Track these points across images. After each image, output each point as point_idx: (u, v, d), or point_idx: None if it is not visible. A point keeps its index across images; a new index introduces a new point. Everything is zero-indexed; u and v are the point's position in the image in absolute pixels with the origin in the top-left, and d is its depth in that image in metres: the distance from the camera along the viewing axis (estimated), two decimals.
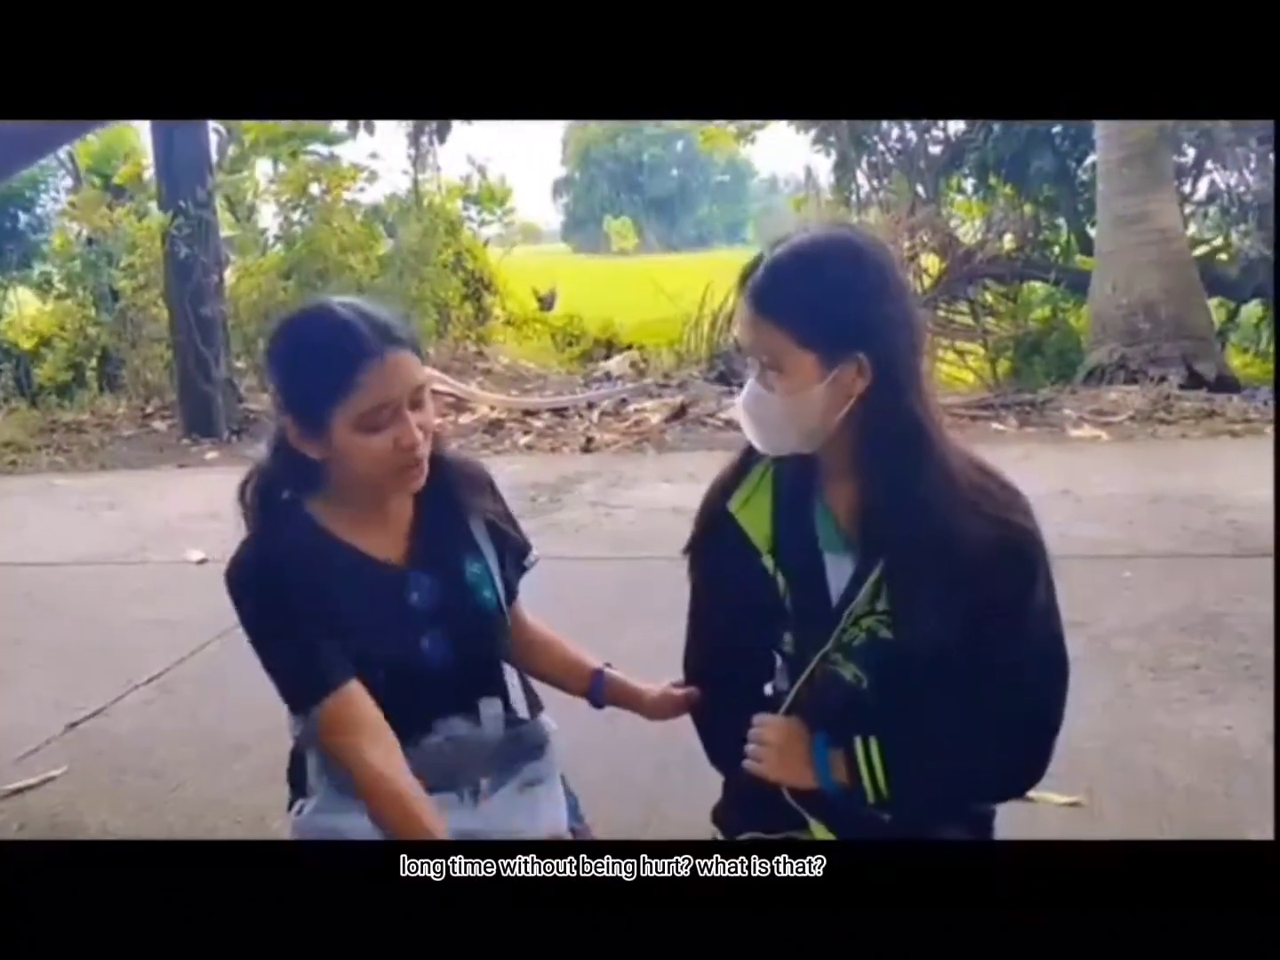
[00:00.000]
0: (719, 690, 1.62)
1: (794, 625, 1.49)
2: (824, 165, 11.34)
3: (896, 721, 1.43)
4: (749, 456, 1.55)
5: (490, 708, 1.69)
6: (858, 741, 1.44)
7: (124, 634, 3.82)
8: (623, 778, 2.46)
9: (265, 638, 1.60)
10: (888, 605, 1.43)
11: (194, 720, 2.82)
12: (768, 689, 1.58)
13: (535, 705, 1.79)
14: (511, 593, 1.80)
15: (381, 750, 1.60)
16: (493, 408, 8.13)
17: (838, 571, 1.46)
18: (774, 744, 1.48)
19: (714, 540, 1.56)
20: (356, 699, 1.59)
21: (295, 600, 1.57)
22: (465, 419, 7.88)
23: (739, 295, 1.43)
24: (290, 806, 1.74)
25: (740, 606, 1.53)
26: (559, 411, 7.95)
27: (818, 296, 1.36)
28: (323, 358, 1.50)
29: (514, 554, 1.78)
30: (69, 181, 10.46)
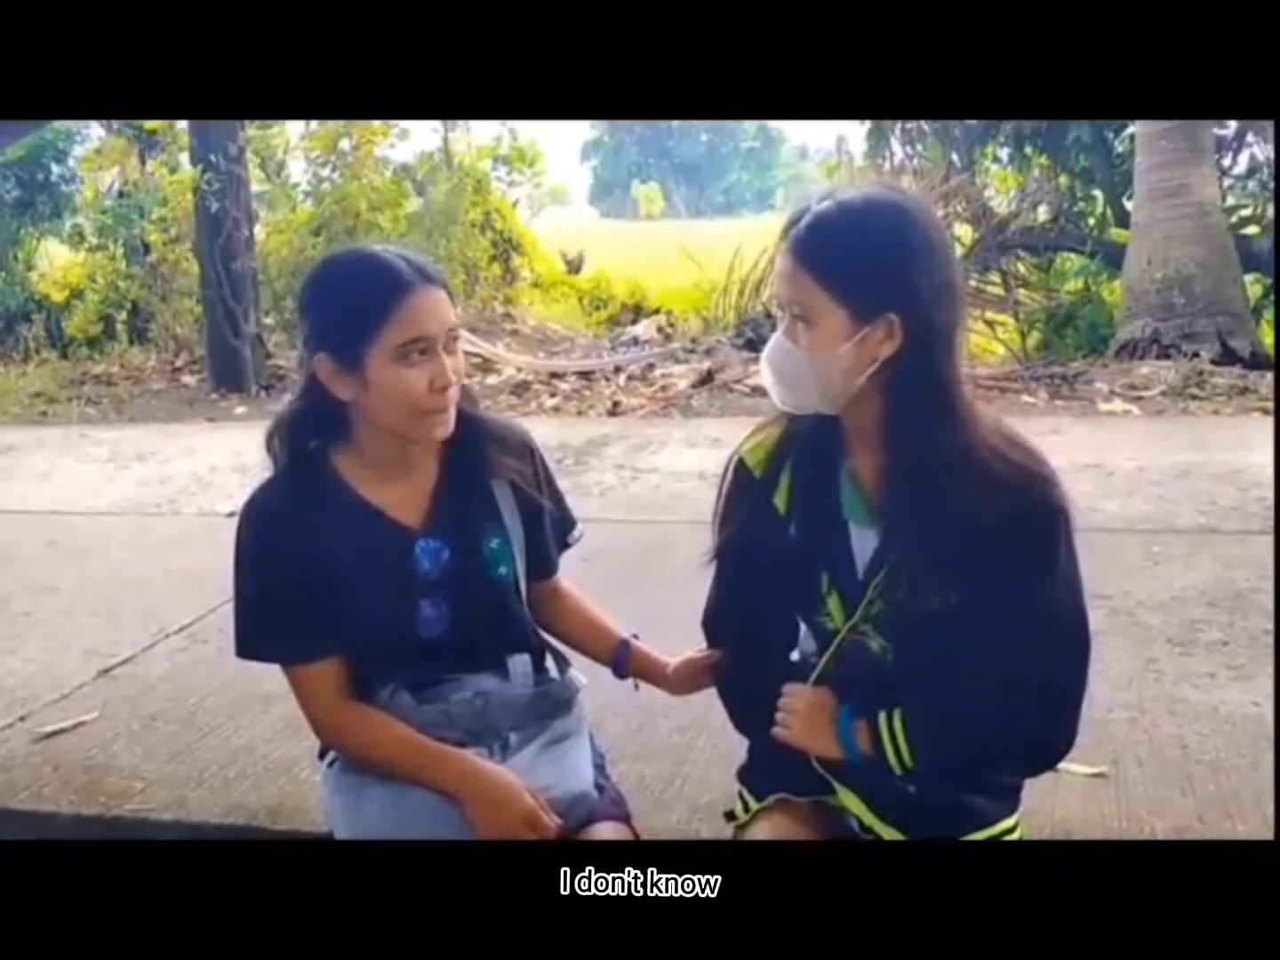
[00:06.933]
0: (742, 654, 1.63)
1: (820, 595, 1.49)
2: (856, 131, 11.21)
3: (922, 693, 1.44)
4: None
5: (519, 664, 1.70)
6: (881, 715, 1.44)
7: (154, 583, 3.86)
8: (650, 734, 2.48)
9: (253, 576, 1.62)
10: (910, 576, 1.42)
11: (224, 669, 2.85)
12: (794, 655, 1.59)
13: (564, 661, 1.80)
14: (551, 567, 1.80)
15: (359, 714, 1.63)
16: (519, 369, 8.13)
17: (862, 542, 1.46)
18: (801, 712, 1.49)
19: (738, 503, 1.57)
20: (326, 675, 1.62)
21: (296, 551, 1.58)
22: (492, 380, 7.89)
23: (781, 245, 1.42)
24: (322, 756, 1.76)
25: (764, 572, 1.53)
26: (585, 374, 7.94)
27: (857, 253, 1.35)
28: (363, 290, 1.54)
29: (556, 529, 1.78)
30: (100, 132, 10.44)
